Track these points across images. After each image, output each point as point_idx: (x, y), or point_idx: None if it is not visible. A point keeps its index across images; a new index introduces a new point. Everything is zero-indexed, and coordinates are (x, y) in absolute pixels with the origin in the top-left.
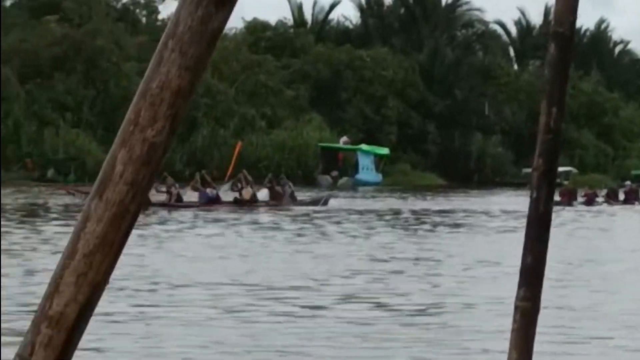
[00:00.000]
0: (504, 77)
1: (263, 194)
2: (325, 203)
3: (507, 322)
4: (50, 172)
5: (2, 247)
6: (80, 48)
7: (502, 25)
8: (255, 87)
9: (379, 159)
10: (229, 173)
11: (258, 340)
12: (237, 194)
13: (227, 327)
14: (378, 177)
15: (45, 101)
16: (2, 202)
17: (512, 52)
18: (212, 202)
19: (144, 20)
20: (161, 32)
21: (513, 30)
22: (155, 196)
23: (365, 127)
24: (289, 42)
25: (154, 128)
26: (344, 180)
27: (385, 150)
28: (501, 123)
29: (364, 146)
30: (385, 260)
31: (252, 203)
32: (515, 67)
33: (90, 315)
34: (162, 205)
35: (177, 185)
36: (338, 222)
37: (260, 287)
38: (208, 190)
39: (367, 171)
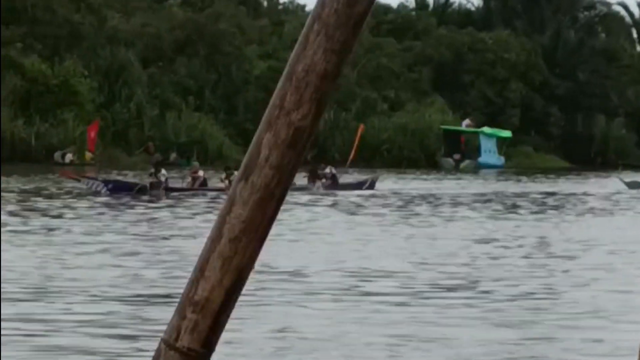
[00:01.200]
0: (626, 59)
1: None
2: (372, 186)
3: None
4: (172, 156)
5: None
6: (203, 32)
7: (625, 7)
8: (377, 70)
9: (501, 141)
10: (351, 156)
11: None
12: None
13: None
14: (500, 160)
15: (168, 85)
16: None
17: (634, 34)
18: None
19: (265, 3)
20: (282, 15)
21: (636, 12)
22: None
23: (487, 110)
24: (410, 25)
25: (299, 112)
26: (466, 163)
27: (507, 133)
28: (624, 105)
29: (486, 129)
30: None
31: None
32: (638, 48)
33: (236, 300)
34: (182, 190)
35: (201, 172)
36: (455, 205)
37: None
38: None
39: (489, 154)
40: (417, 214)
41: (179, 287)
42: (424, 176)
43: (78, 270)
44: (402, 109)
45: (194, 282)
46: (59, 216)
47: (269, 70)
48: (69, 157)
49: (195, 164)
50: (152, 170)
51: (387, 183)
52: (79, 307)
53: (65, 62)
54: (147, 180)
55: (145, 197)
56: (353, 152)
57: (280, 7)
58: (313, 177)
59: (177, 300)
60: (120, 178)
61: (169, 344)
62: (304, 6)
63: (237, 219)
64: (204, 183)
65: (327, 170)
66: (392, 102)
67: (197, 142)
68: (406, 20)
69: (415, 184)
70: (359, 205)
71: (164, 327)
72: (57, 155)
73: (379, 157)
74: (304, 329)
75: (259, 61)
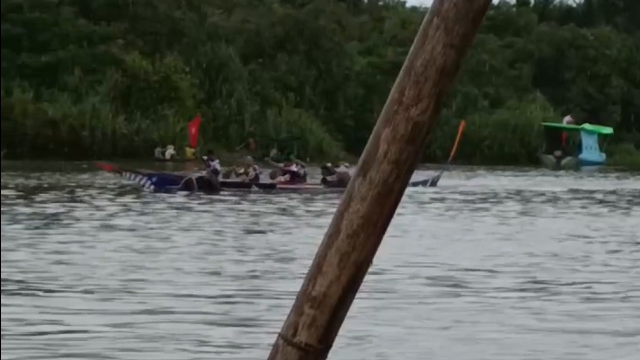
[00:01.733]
0: None
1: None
2: (434, 184)
3: None
4: (272, 152)
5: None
6: (303, 28)
7: None
8: (477, 66)
9: (602, 138)
10: (452, 153)
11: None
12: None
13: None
14: (602, 157)
15: (268, 81)
16: None
17: None
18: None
19: (365, 0)
20: (382, 11)
21: None
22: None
23: (588, 106)
24: (511, 21)
25: (418, 107)
26: (567, 159)
27: (609, 130)
28: None
29: (587, 125)
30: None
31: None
32: None
33: (354, 296)
34: (238, 185)
35: (255, 166)
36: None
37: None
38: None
39: (590, 151)
40: (486, 212)
41: (291, 283)
42: (519, 172)
43: (194, 264)
44: (503, 106)
45: (312, 278)
46: (149, 212)
47: (369, 66)
48: (169, 152)
49: (249, 158)
50: (205, 157)
51: (453, 180)
52: (198, 302)
53: (166, 58)
54: (195, 174)
55: (195, 192)
56: (454, 148)
57: (380, 3)
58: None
59: (293, 296)
60: (165, 172)
61: (286, 339)
62: (404, 2)
63: (355, 214)
64: (256, 178)
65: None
66: (492, 99)
67: (297, 137)
68: (507, 17)
69: (499, 180)
70: (424, 203)
71: (282, 323)
72: (157, 151)
73: (480, 153)
74: (419, 326)
75: (359, 57)
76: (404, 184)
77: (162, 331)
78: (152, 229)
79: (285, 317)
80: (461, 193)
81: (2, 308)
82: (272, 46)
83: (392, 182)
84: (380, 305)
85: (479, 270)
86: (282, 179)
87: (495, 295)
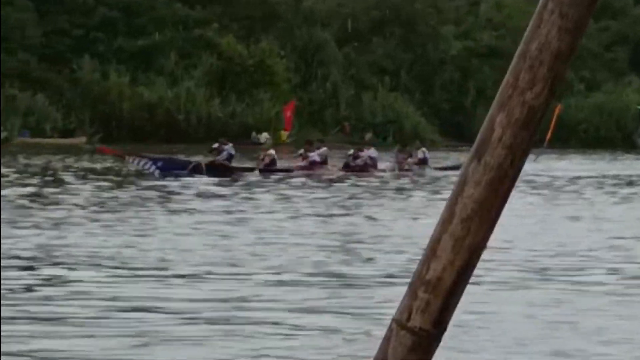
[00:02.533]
0: None
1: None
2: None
3: None
4: (368, 136)
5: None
6: (399, 12)
7: None
8: None
9: None
10: (548, 136)
11: None
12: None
13: None
14: None
15: (364, 65)
16: None
17: None
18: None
19: None
20: None
21: None
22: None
23: None
24: (607, 5)
25: (533, 91)
26: None
27: None
28: None
29: None
30: None
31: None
32: None
33: (467, 281)
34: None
35: (272, 152)
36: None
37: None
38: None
39: None
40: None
41: (403, 267)
42: (614, 156)
43: (294, 250)
44: (599, 89)
45: (426, 262)
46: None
47: (464, 50)
48: (265, 136)
49: (265, 134)
50: (216, 145)
51: (548, 163)
52: (307, 290)
53: (261, 42)
54: (204, 159)
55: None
56: (550, 132)
57: None
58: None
59: (404, 280)
60: (171, 156)
61: (400, 323)
62: None
63: (469, 198)
64: (272, 162)
65: (420, 153)
66: (588, 82)
67: (392, 121)
68: (603, 0)
69: (594, 164)
70: (520, 186)
71: (395, 307)
72: (253, 135)
73: (576, 137)
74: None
75: (454, 41)
76: (519, 168)
77: (273, 318)
78: (238, 211)
79: (390, 301)
80: (556, 177)
81: (100, 288)
82: (368, 30)
83: (506, 167)
84: (473, 290)
85: (571, 255)
86: (300, 164)
87: (587, 280)
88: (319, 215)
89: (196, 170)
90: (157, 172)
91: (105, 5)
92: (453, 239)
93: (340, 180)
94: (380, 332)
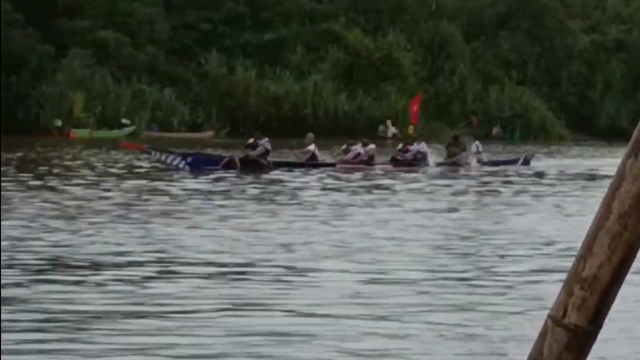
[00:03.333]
0: None
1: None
2: (526, 163)
3: None
4: (495, 130)
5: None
6: (525, 6)
7: None
8: None
9: None
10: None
11: None
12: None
13: None
14: None
15: (491, 58)
16: None
17: None
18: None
19: None
20: None
21: None
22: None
23: None
24: None
25: None
26: None
27: None
28: None
29: None
30: None
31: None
32: None
33: (624, 278)
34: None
35: (310, 148)
36: None
37: None
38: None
39: None
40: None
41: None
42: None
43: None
44: None
45: (582, 259)
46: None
47: (592, 44)
48: (391, 130)
49: (311, 135)
50: (251, 140)
51: (549, 160)
52: (447, 288)
53: (388, 35)
54: (238, 153)
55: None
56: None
57: None
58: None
59: (559, 277)
60: (202, 151)
61: (556, 320)
62: None
63: (626, 194)
64: (312, 157)
65: (473, 147)
66: None
67: (520, 115)
68: None
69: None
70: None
71: (551, 304)
72: (380, 128)
73: None
74: None
75: (582, 35)
76: None
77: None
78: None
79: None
80: None
81: (188, 281)
82: (494, 24)
83: None
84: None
85: None
86: (344, 157)
87: None
88: (421, 211)
89: (230, 165)
90: (187, 168)
91: (232, 0)
92: (610, 235)
93: (387, 176)
94: (526, 331)
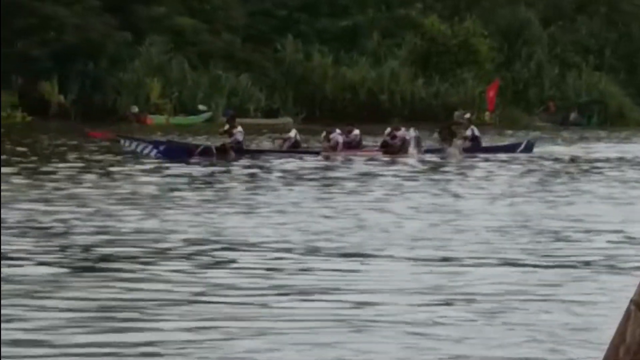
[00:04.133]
0: None
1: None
2: (529, 149)
3: None
4: (572, 115)
5: None
6: None
7: None
8: None
9: None
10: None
11: None
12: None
13: None
14: None
15: (568, 44)
16: None
17: None
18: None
19: None
20: None
21: None
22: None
23: None
24: None
25: None
26: None
27: None
28: None
29: None
30: None
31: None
32: None
33: None
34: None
35: (291, 134)
36: None
37: None
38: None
39: None
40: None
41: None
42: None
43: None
44: None
45: None
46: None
47: None
48: (467, 116)
49: (290, 120)
50: (226, 128)
51: (549, 146)
52: (527, 275)
53: (465, 21)
54: (214, 142)
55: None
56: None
57: None
58: (449, 134)
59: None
60: (172, 140)
61: (638, 305)
62: None
63: None
64: (295, 145)
65: (468, 131)
66: None
67: (597, 101)
68: None
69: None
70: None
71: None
72: (456, 114)
73: None
74: None
75: None
76: None
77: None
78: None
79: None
80: None
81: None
82: (572, 9)
83: None
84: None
85: None
86: (326, 144)
87: None
88: (464, 196)
89: (205, 153)
90: (158, 156)
91: None
92: None
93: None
94: (606, 318)
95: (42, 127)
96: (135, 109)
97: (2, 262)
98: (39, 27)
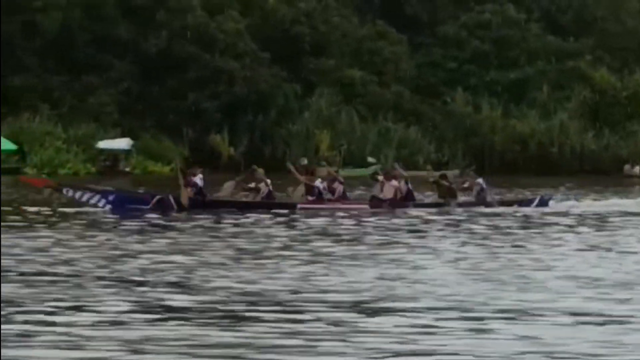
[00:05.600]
0: None
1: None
2: (544, 204)
3: None
4: None
5: None
6: None
7: None
8: None
9: None
10: None
11: None
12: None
13: None
14: None
15: None
16: None
17: None
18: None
19: None
20: None
21: None
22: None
23: None
24: None
25: None
26: None
27: None
28: None
29: None
30: None
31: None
32: None
33: None
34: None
35: (268, 181)
36: None
37: None
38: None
39: None
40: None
41: None
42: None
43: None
44: None
45: None
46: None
47: None
48: (637, 169)
49: (260, 171)
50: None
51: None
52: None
53: (635, 74)
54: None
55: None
56: None
57: None
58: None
59: None
60: (123, 189)
61: None
62: None
63: None
64: (269, 196)
65: (466, 183)
66: None
67: None
68: None
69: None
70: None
71: None
72: (626, 167)
73: None
74: None
75: None
76: None
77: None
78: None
79: None
80: None
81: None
82: None
83: None
84: None
85: None
86: (308, 197)
87: None
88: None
89: (162, 204)
90: (108, 207)
91: (477, 38)
92: None
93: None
94: None
95: (212, 180)
96: (305, 161)
97: None
98: (210, 80)
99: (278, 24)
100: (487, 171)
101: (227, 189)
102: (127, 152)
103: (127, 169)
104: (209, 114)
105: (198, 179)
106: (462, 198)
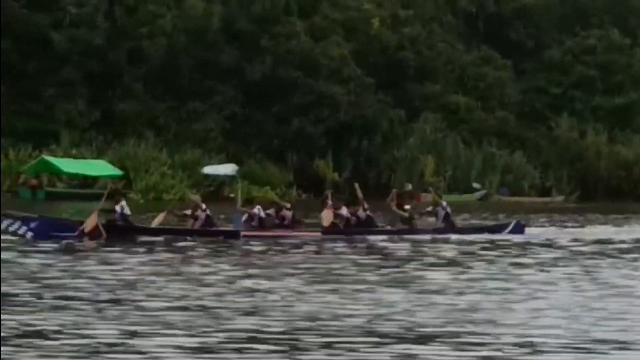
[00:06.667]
0: None
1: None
2: (519, 230)
3: None
4: None
5: None
6: None
7: None
8: None
9: None
10: None
11: None
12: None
13: None
14: None
15: None
16: None
17: None
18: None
19: None
20: None
21: None
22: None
23: None
24: None
25: None
26: None
27: None
28: None
29: None
30: None
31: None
32: None
33: None
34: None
35: (203, 206)
36: None
37: None
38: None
39: None
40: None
41: None
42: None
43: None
44: None
45: None
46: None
47: None
48: None
49: (195, 196)
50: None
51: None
52: None
53: None
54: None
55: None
56: None
57: None
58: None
59: None
60: (46, 216)
61: None
62: None
63: None
64: (208, 222)
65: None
66: None
67: None
68: None
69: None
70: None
71: None
72: None
73: None
74: None
75: None
76: None
77: None
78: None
79: None
80: None
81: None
82: None
83: None
84: None
85: None
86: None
87: None
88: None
89: (90, 232)
90: (29, 235)
91: (583, 64)
92: None
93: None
94: None
95: (316, 206)
96: (409, 187)
97: None
98: (314, 105)
99: (382, 50)
100: (592, 197)
101: (159, 218)
102: (232, 178)
103: (232, 195)
104: (313, 139)
105: (118, 207)
106: (430, 219)
